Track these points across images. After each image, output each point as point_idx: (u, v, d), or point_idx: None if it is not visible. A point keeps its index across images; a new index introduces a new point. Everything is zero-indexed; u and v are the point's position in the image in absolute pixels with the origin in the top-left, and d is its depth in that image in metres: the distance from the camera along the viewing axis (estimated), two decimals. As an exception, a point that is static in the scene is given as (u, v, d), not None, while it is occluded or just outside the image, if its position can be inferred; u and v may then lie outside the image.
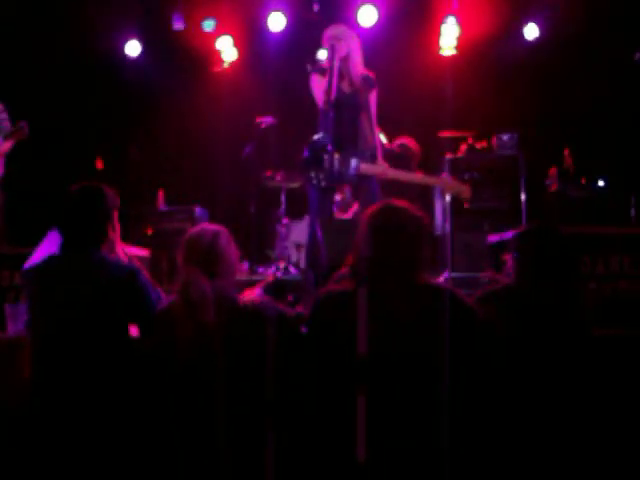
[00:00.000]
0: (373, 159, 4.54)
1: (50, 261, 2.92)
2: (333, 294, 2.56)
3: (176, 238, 6.61)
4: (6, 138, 5.40)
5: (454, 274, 6.18)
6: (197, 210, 6.81)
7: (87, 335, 2.76)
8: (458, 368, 2.38)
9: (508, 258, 3.38)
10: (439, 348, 2.36)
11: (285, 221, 6.99)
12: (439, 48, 7.19)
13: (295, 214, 6.99)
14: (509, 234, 3.92)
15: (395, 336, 2.39)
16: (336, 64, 4.36)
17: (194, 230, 2.82)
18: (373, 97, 4.69)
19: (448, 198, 5.87)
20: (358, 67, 4.60)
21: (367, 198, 4.48)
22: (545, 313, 2.65)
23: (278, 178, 6.94)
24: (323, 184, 4.38)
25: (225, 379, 2.59)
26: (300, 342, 2.72)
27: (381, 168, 4.53)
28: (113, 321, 2.80)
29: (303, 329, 2.80)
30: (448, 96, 7.13)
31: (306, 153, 4.42)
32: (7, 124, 5.47)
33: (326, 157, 4.33)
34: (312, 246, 4.01)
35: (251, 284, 4.17)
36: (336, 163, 4.36)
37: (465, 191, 4.64)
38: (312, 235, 4.01)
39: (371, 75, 4.66)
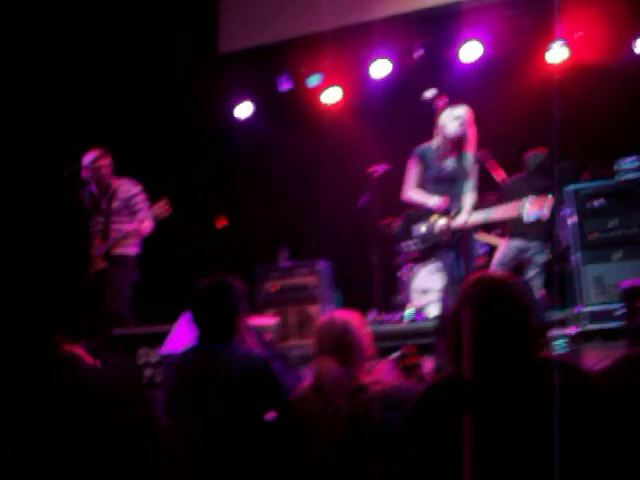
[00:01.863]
0: (457, 213, 4.66)
1: (188, 354, 3.06)
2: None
3: (301, 292, 6.84)
4: (150, 217, 5.50)
5: (587, 308, 5.96)
6: (320, 263, 6.90)
7: (224, 425, 2.86)
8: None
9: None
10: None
11: (408, 267, 6.97)
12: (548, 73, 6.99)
13: (416, 259, 6.95)
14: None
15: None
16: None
17: (325, 318, 2.88)
18: (476, 169, 4.92)
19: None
20: (471, 147, 4.77)
21: (466, 252, 4.62)
22: None
23: (396, 224, 6.95)
24: (416, 248, 4.65)
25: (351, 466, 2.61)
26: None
27: (462, 219, 4.60)
28: (249, 411, 2.88)
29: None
30: (563, 123, 6.91)
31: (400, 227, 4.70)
32: (145, 205, 5.60)
33: (414, 227, 4.55)
34: (443, 311, 4.05)
35: (379, 336, 4.21)
36: (423, 228, 4.56)
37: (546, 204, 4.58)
38: (443, 299, 4.08)
39: (480, 153, 5.02)
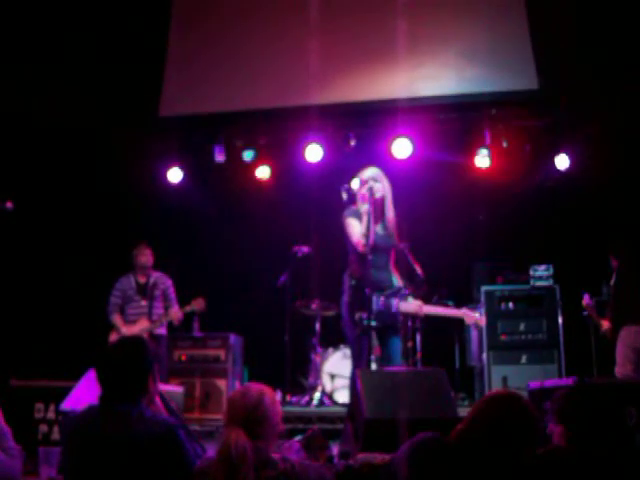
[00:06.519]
0: (406, 297, 4.66)
1: (89, 413, 2.91)
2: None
3: (210, 365, 6.71)
4: (181, 308, 6.38)
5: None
6: (231, 337, 6.83)
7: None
8: None
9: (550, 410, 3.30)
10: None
11: (319, 350, 6.97)
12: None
13: (330, 342, 6.97)
14: (550, 382, 3.88)
15: None
16: (369, 208, 4.53)
17: (239, 389, 2.81)
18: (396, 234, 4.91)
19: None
20: (391, 210, 4.76)
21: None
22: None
23: (313, 306, 6.98)
24: (374, 324, 4.43)
25: None
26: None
27: (416, 305, 4.63)
28: (151, 477, 2.76)
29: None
30: (483, 226, 7.21)
31: (346, 297, 4.54)
32: (175, 296, 6.52)
33: (371, 299, 4.41)
34: (352, 396, 3.94)
35: (285, 417, 4.13)
36: (380, 304, 4.45)
37: (481, 321, 4.98)
38: (353, 385, 3.96)
39: (402, 244, 4.95)
